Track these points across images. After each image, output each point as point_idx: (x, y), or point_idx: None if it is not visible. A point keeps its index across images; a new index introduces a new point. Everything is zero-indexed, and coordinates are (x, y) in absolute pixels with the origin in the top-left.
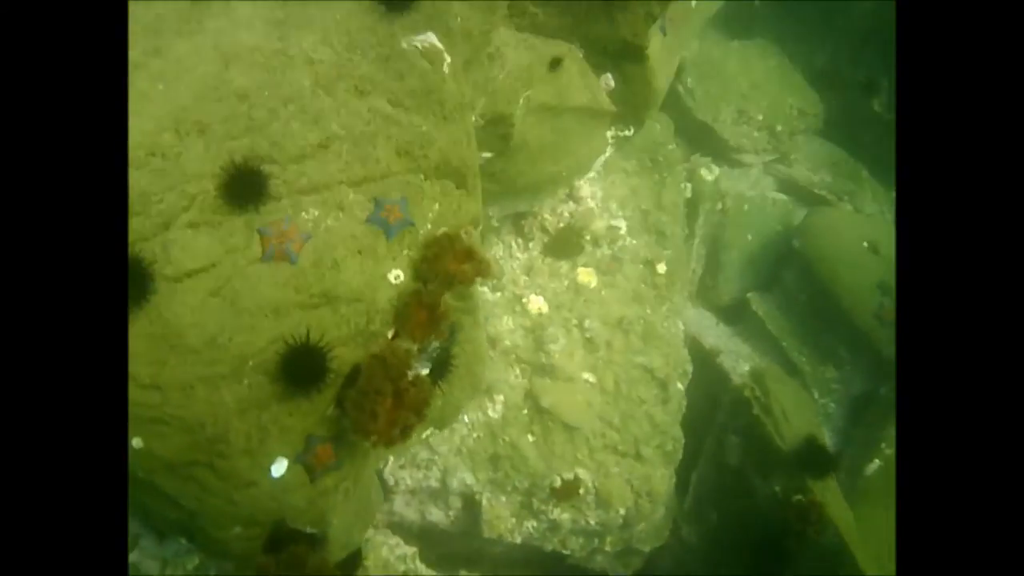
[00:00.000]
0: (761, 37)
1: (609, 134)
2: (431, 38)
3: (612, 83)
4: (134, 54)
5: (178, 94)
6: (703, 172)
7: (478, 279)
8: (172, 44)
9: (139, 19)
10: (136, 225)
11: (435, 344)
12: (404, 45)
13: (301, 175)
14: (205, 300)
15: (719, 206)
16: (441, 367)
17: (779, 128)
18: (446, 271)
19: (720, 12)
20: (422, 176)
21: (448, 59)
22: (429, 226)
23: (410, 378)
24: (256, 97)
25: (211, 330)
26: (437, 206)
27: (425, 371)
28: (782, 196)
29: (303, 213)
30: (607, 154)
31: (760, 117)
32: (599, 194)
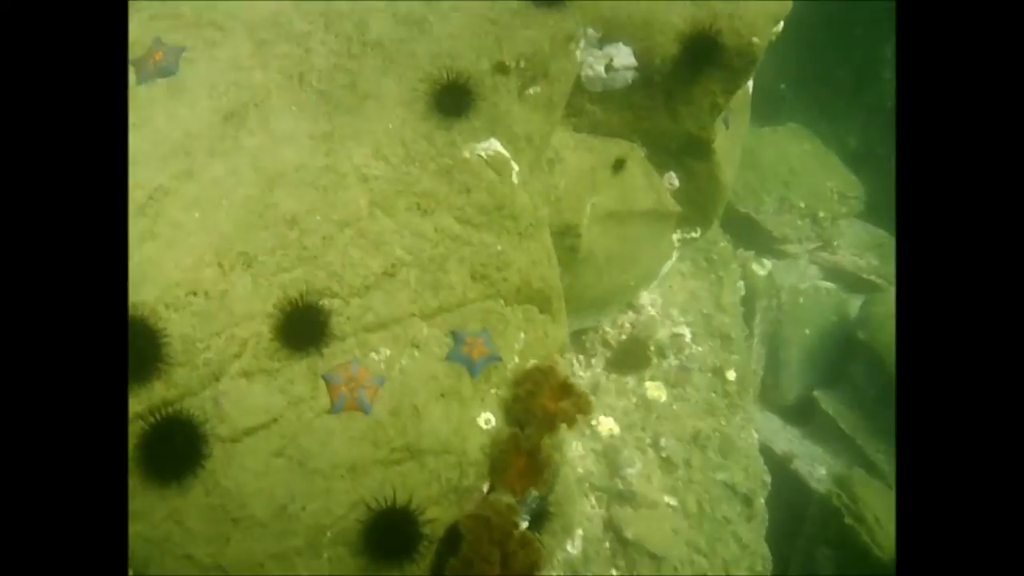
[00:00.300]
0: (791, 121)
1: (675, 237)
2: (495, 145)
3: (676, 182)
4: (162, 178)
5: (218, 222)
6: (755, 267)
7: (579, 417)
8: (206, 165)
9: (166, 138)
10: (180, 378)
11: (534, 494)
12: (466, 155)
13: (366, 309)
14: (269, 462)
15: (775, 302)
16: (540, 518)
17: (821, 214)
18: (544, 411)
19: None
20: (502, 302)
21: (516, 168)
22: (516, 359)
23: (517, 537)
24: (307, 222)
25: (279, 497)
26: (523, 335)
27: (525, 524)
28: (830, 284)
29: (373, 353)
30: (673, 259)
31: (802, 204)
32: (659, 301)
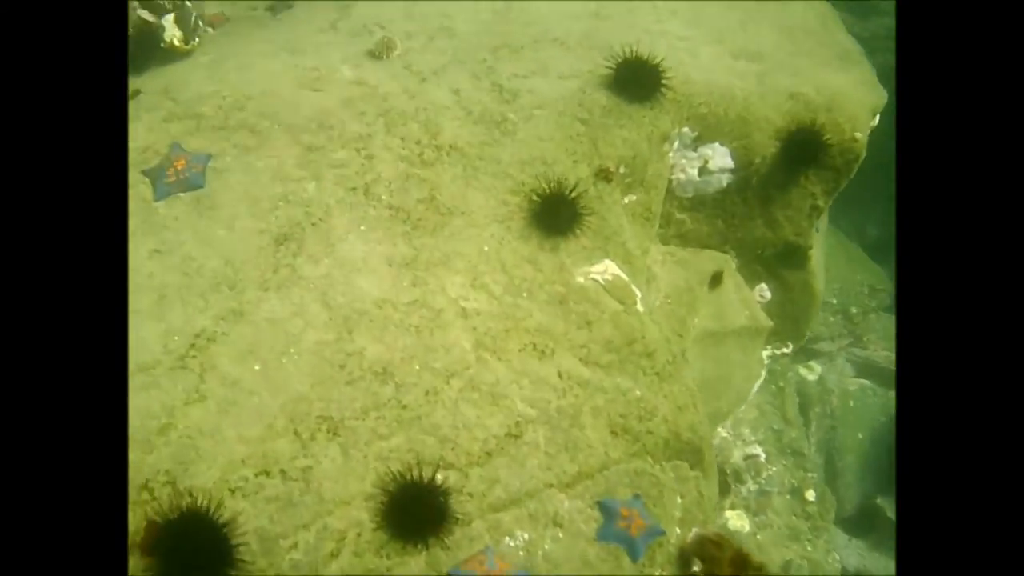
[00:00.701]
0: None
1: (765, 354)
2: (612, 267)
3: (768, 294)
4: (204, 320)
5: (287, 377)
6: (803, 372)
7: None
8: (259, 303)
9: (201, 268)
10: None
11: None
12: (580, 280)
13: (492, 482)
14: None
15: (828, 408)
16: None
17: (853, 310)
18: None
19: None
20: (650, 460)
21: (639, 293)
22: (677, 530)
23: None
24: (403, 373)
25: None
26: (679, 499)
27: None
28: (869, 383)
29: (507, 539)
30: (762, 378)
31: (834, 301)
32: (728, 421)
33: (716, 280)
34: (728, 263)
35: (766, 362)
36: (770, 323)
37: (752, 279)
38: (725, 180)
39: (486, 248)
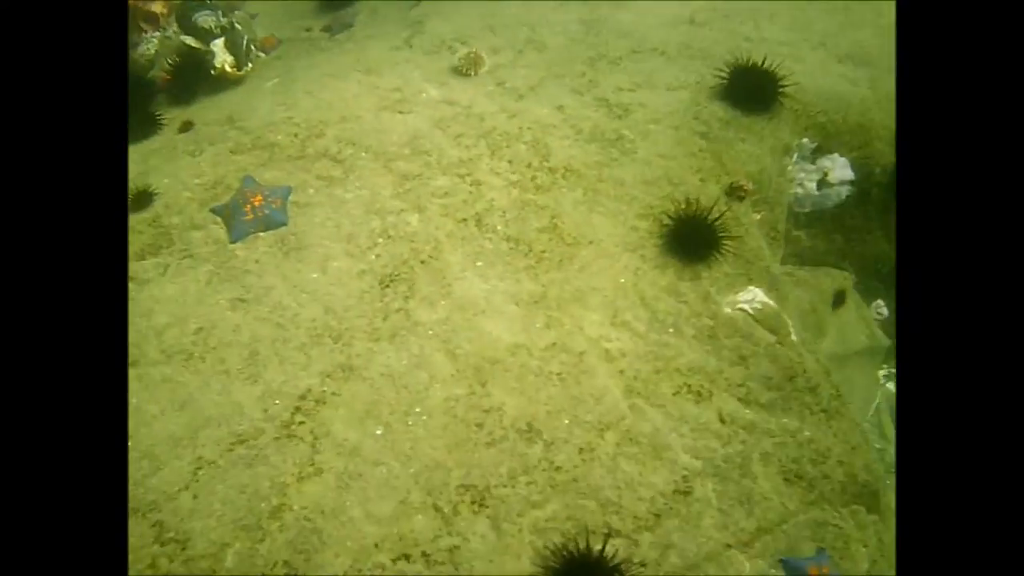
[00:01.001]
0: None
1: (881, 373)
2: (759, 295)
3: (885, 311)
4: (308, 379)
5: (416, 443)
6: (890, 386)
7: None
8: (371, 355)
9: (295, 318)
10: None
11: None
12: (728, 311)
13: (666, 548)
14: None
15: None
16: None
17: None
18: None
19: None
20: (828, 507)
21: (791, 322)
22: None
23: None
24: (552, 430)
25: None
26: (864, 549)
27: None
28: None
29: None
30: (878, 400)
31: None
32: None
33: (839, 299)
34: (847, 280)
35: (882, 382)
36: (888, 341)
37: (868, 295)
38: (845, 193)
39: (622, 280)
